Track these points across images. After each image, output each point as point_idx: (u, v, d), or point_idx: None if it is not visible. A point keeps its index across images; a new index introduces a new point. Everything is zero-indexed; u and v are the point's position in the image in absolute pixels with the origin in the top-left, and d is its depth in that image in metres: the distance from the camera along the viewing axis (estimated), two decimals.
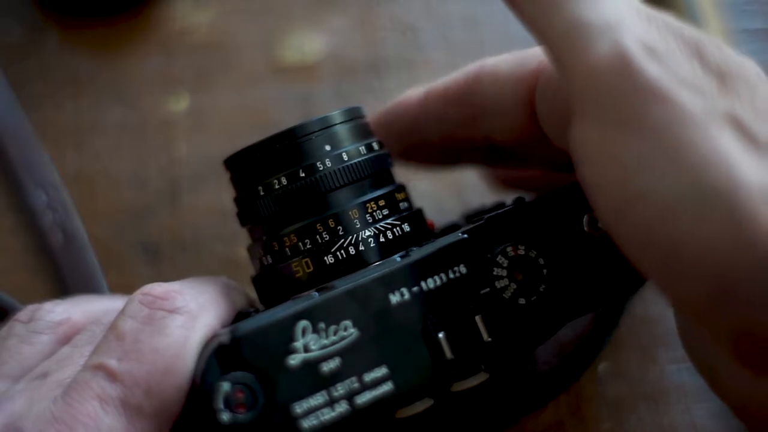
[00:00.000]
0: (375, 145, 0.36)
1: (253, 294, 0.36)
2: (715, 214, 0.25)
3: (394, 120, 0.39)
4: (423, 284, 0.31)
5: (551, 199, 0.33)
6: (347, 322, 0.30)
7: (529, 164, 0.39)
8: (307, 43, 0.50)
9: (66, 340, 0.34)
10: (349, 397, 0.30)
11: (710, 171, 0.26)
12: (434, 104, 0.38)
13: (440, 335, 0.31)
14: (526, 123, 0.35)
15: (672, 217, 0.26)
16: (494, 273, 0.31)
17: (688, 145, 0.26)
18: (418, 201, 0.37)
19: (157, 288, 0.31)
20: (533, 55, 0.34)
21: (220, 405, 0.28)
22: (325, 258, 0.33)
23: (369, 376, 0.30)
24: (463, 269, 0.31)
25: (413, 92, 0.39)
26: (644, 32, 0.28)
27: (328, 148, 0.34)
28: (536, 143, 0.35)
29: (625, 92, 0.27)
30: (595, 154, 0.28)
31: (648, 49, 0.28)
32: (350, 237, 0.34)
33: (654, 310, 0.43)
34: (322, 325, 0.30)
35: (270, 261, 0.35)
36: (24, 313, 0.35)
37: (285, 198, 0.34)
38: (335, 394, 0.30)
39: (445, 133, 0.38)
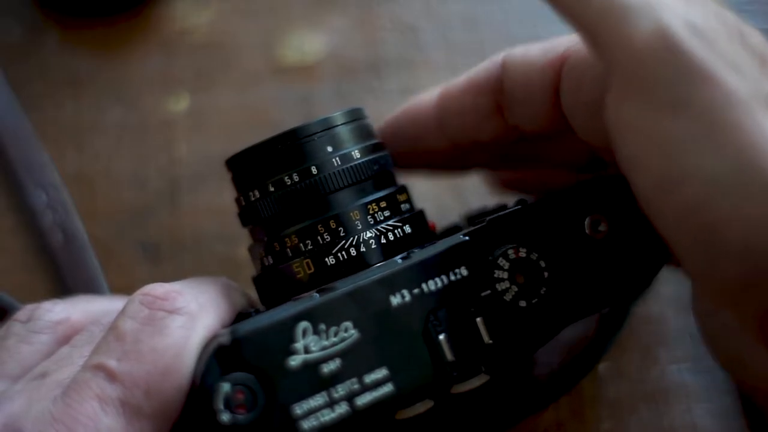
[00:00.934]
0: (376, 147, 0.36)
1: (254, 294, 0.36)
2: (760, 194, 0.26)
3: (405, 126, 0.38)
4: (424, 286, 0.31)
5: (553, 202, 0.33)
6: (348, 324, 0.30)
7: (540, 164, 0.39)
8: (307, 43, 0.50)
9: (65, 339, 0.34)
10: (350, 398, 0.30)
11: (757, 153, 0.26)
12: (456, 100, 0.37)
13: (441, 337, 0.31)
14: (552, 111, 0.34)
15: (717, 197, 0.26)
16: (495, 275, 0.31)
17: (734, 127, 0.26)
18: (419, 202, 0.37)
19: (158, 288, 0.31)
20: (560, 42, 0.34)
21: (220, 406, 0.28)
22: (326, 259, 0.33)
23: (369, 378, 0.30)
24: (464, 271, 0.31)
25: (423, 97, 0.38)
26: (686, 11, 0.28)
27: (329, 149, 0.34)
28: (559, 136, 0.35)
29: (671, 71, 0.27)
30: (638, 133, 0.28)
31: (692, 27, 0.27)
32: (351, 238, 0.34)
33: (654, 310, 0.43)
34: (322, 326, 0.30)
35: (271, 261, 0.35)
36: (22, 313, 0.35)
37: (286, 199, 0.34)
38: (335, 395, 0.29)
39: (462, 131, 0.37)
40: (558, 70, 0.34)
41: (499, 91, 0.36)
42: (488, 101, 0.36)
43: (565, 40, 0.34)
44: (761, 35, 0.29)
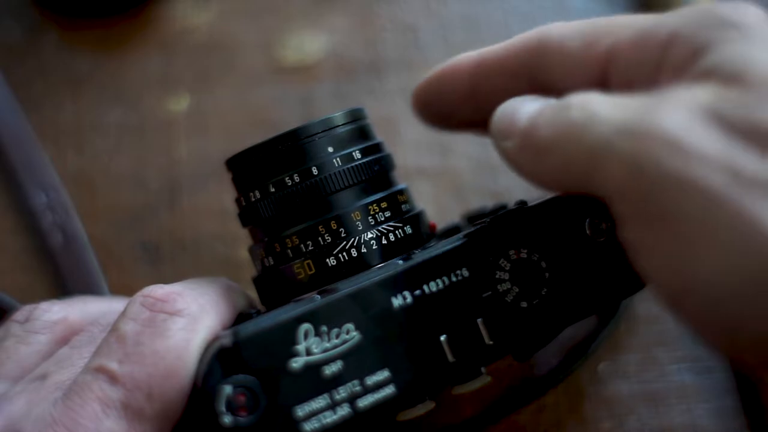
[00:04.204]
0: (377, 147, 0.36)
1: (254, 294, 0.36)
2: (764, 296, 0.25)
3: (441, 91, 0.37)
4: (425, 287, 0.31)
5: (554, 203, 0.33)
6: (349, 325, 0.30)
7: None
8: (307, 43, 0.50)
9: (63, 340, 0.34)
10: (351, 400, 0.30)
11: (753, 250, 0.25)
12: (489, 75, 0.36)
13: (442, 338, 0.31)
14: None
15: (726, 304, 0.26)
16: (496, 276, 0.31)
17: (724, 230, 0.25)
18: (419, 202, 0.37)
19: (158, 290, 0.31)
20: (601, 30, 0.33)
21: (222, 408, 0.28)
22: (327, 260, 0.33)
23: (371, 379, 0.30)
24: (465, 272, 0.31)
25: (462, 60, 0.37)
26: (658, 125, 0.27)
27: (330, 149, 0.34)
28: None
29: (649, 191, 0.27)
30: (639, 251, 0.28)
31: (665, 142, 0.27)
32: (352, 239, 0.34)
33: (654, 310, 0.43)
34: (324, 328, 0.30)
35: (271, 262, 0.35)
36: (20, 314, 0.35)
37: (287, 199, 0.34)
38: (337, 397, 0.30)
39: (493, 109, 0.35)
40: (603, 67, 0.32)
41: (533, 78, 0.34)
42: (522, 86, 0.35)
43: (606, 28, 0.32)
44: (748, 99, 0.27)
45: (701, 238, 0.26)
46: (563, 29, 0.34)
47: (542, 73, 0.34)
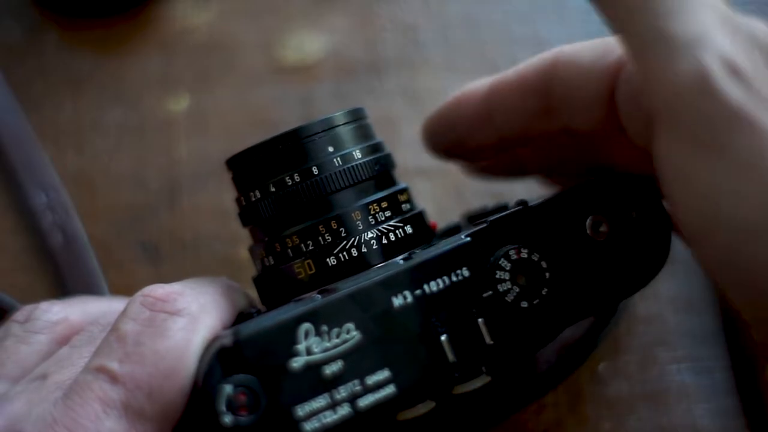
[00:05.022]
0: (377, 147, 0.36)
1: (253, 294, 0.36)
2: None
3: (453, 116, 0.37)
4: (426, 287, 0.31)
5: (554, 203, 0.33)
6: (350, 325, 0.30)
7: (587, 166, 0.38)
8: (307, 43, 0.50)
9: (63, 340, 0.34)
10: (352, 399, 0.30)
11: None
12: (504, 97, 0.36)
13: (443, 338, 0.31)
14: (605, 115, 0.33)
15: (751, 245, 0.26)
16: (497, 276, 0.31)
17: None
18: (419, 202, 0.37)
19: (158, 290, 0.31)
20: (614, 45, 0.33)
21: (222, 407, 0.28)
22: (328, 260, 0.33)
23: (371, 379, 0.30)
24: (465, 272, 0.31)
25: (472, 88, 0.37)
26: (728, 49, 0.27)
27: (331, 149, 0.34)
28: (613, 137, 0.34)
29: (707, 115, 0.27)
30: (676, 173, 0.28)
31: (731, 69, 0.27)
32: (353, 239, 0.34)
33: (654, 310, 0.43)
34: (324, 327, 0.30)
35: (272, 262, 0.35)
36: (21, 314, 0.35)
37: (287, 199, 0.34)
38: (337, 396, 0.29)
39: (510, 127, 0.36)
40: (613, 77, 0.33)
41: (547, 94, 0.35)
42: (537, 102, 0.35)
43: (616, 42, 0.33)
44: None
45: (747, 177, 0.26)
46: (576, 46, 0.34)
47: (556, 87, 0.34)
